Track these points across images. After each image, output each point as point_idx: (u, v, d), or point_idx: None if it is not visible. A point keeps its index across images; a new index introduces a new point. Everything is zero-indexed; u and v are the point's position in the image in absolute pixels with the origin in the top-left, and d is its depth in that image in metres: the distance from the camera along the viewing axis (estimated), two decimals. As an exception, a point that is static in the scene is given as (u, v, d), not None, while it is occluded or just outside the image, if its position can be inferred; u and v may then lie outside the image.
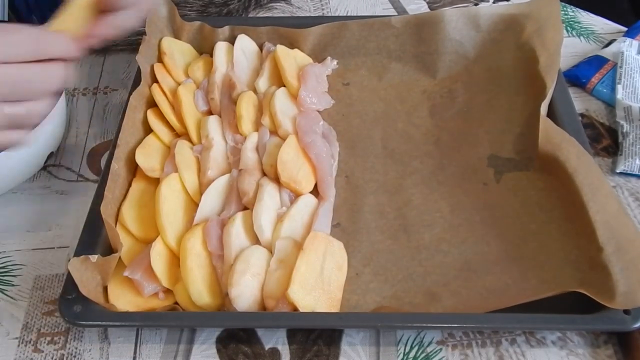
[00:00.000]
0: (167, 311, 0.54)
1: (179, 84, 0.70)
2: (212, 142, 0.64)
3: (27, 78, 0.46)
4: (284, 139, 0.64)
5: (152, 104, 0.68)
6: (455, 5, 0.85)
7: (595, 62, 0.73)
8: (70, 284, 0.52)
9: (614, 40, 0.75)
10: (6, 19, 0.90)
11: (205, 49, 0.75)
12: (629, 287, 0.50)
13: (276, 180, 0.61)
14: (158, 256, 0.55)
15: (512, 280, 0.54)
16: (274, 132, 0.65)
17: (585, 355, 0.52)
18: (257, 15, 0.85)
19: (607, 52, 0.74)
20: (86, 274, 0.52)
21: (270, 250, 0.56)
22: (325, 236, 0.56)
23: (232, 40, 0.74)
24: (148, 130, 0.66)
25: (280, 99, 0.67)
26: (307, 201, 0.60)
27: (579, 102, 0.71)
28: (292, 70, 0.70)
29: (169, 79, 0.70)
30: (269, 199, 0.59)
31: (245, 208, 0.59)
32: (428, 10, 0.85)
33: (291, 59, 0.71)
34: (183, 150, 0.63)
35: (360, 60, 0.74)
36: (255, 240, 0.57)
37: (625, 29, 0.78)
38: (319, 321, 0.52)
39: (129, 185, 0.61)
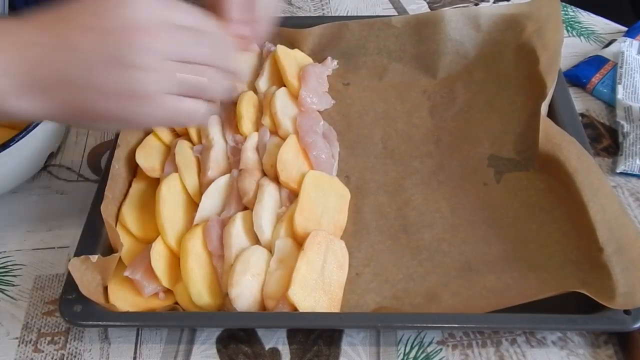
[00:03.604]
0: (167, 311, 0.54)
1: (179, 84, 0.70)
2: (212, 142, 0.64)
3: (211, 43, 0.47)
4: (284, 139, 0.63)
5: (152, 104, 0.68)
6: (456, 5, 0.85)
7: (596, 62, 0.73)
8: (70, 284, 0.52)
9: (614, 40, 0.75)
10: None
11: (205, 49, 0.75)
12: (629, 287, 0.50)
13: (276, 180, 0.61)
14: (158, 256, 0.55)
15: (513, 280, 0.54)
16: (274, 132, 0.65)
17: (586, 355, 0.52)
18: (257, 15, 0.85)
19: (607, 52, 0.74)
20: (86, 274, 0.52)
21: (270, 250, 0.56)
22: (326, 235, 0.56)
23: (232, 40, 0.74)
24: (148, 130, 0.66)
25: (281, 99, 0.67)
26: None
27: (579, 102, 0.71)
28: (293, 70, 0.70)
29: (169, 79, 0.70)
30: (269, 199, 0.59)
31: (245, 208, 0.59)
32: (428, 10, 0.85)
33: (291, 59, 0.71)
34: (183, 150, 0.63)
35: (361, 60, 0.74)
36: (256, 241, 0.57)
37: (625, 29, 0.78)
38: (319, 321, 0.52)
39: (129, 185, 0.62)
